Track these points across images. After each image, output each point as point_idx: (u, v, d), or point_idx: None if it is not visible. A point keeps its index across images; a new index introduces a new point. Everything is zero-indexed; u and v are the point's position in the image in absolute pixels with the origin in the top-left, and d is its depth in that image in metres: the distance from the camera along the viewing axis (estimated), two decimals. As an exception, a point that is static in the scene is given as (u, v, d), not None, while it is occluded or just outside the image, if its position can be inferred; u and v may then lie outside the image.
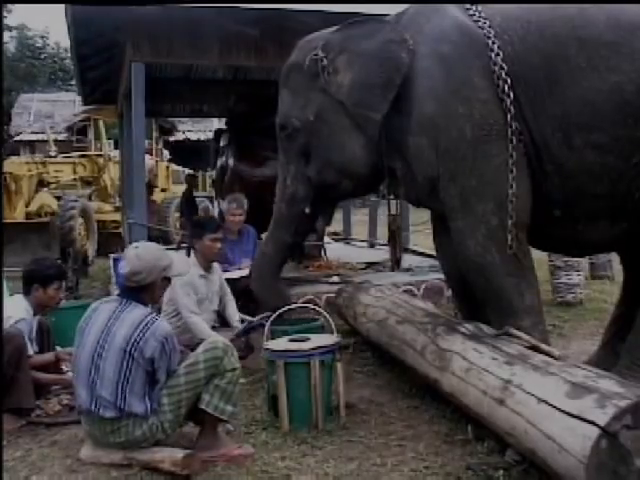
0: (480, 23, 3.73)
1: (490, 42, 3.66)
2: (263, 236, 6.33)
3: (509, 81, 3.61)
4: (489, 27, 3.70)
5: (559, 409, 2.62)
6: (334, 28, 4.24)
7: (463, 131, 3.68)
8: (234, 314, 4.98)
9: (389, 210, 4.53)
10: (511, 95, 3.60)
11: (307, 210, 4.42)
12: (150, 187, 11.45)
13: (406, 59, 3.83)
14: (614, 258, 7.26)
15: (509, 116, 3.61)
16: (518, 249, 3.71)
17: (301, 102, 4.23)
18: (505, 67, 3.62)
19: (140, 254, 3.33)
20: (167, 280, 3.47)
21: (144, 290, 3.34)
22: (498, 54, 3.63)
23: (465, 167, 3.72)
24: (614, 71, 3.54)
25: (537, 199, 3.75)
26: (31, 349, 3.91)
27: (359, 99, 3.97)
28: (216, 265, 5.09)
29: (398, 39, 3.89)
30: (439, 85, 3.76)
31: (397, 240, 4.68)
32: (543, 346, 3.35)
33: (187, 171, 17.67)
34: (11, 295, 4.61)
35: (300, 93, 4.25)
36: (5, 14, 29.60)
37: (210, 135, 12.23)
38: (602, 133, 3.58)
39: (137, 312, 3.25)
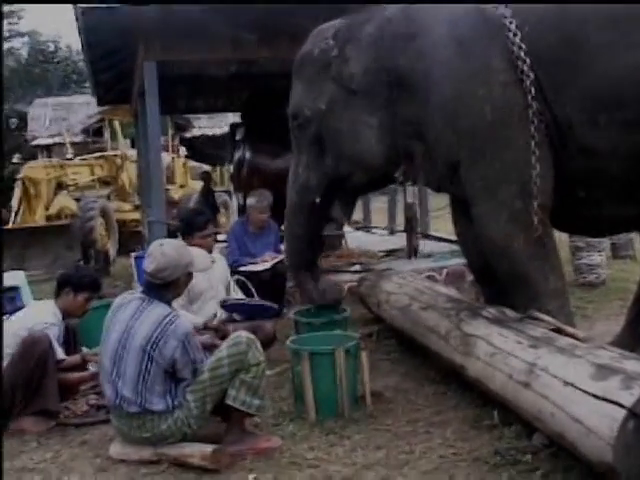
0: (495, 3, 3.67)
1: (507, 22, 3.58)
2: (282, 227, 6.34)
3: (528, 61, 3.53)
4: (505, 7, 3.64)
5: (585, 391, 2.60)
6: (346, 17, 4.22)
7: (483, 114, 3.63)
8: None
9: (405, 198, 4.50)
10: (531, 75, 3.53)
11: (317, 200, 4.39)
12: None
13: (414, 41, 3.82)
14: (636, 237, 7.20)
15: (530, 97, 3.54)
16: (542, 232, 3.67)
17: (313, 92, 4.22)
18: (524, 47, 3.53)
19: (165, 251, 3.35)
20: (190, 276, 3.50)
21: (168, 287, 3.37)
22: (516, 34, 3.55)
23: (487, 151, 3.67)
24: (638, 46, 3.46)
25: (560, 180, 3.69)
26: (62, 353, 3.95)
27: (371, 87, 3.95)
28: (217, 256, 5.01)
29: (407, 23, 3.87)
30: (457, 68, 3.71)
31: (414, 228, 4.66)
32: (567, 328, 3.34)
33: (204, 167, 17.73)
34: (35, 299, 4.65)
35: (312, 83, 4.24)
36: (16, 20, 29.80)
37: (226, 129, 12.23)
38: (627, 110, 3.49)
39: (158, 311, 3.27)
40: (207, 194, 12.29)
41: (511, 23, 3.58)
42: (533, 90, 3.54)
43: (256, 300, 4.86)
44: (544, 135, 3.61)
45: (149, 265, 3.33)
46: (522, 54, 3.54)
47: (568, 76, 3.56)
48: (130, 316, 3.29)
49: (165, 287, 3.36)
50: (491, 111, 3.62)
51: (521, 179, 3.62)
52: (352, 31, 4.07)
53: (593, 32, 3.52)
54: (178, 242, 3.62)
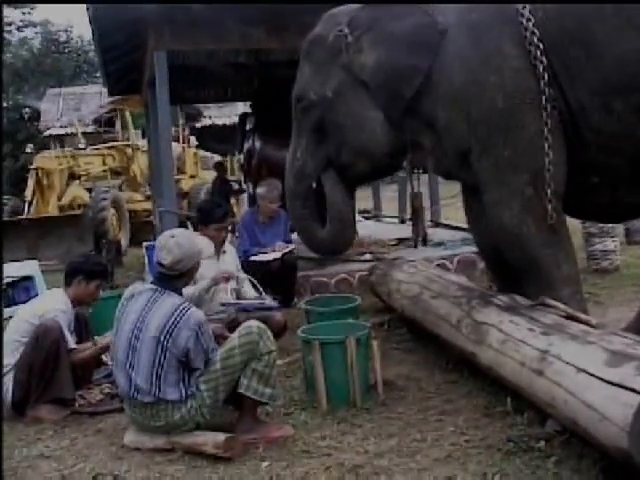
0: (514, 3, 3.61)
1: (520, 7, 3.54)
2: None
3: (542, 47, 3.50)
4: None
5: (599, 378, 2.59)
6: (360, 5, 4.13)
7: (495, 101, 3.60)
8: (248, 291, 4.81)
9: (412, 187, 4.45)
10: (544, 61, 3.50)
11: (313, 185, 4.35)
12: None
13: (435, 45, 3.74)
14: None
15: (542, 83, 3.51)
16: (554, 219, 3.66)
17: (321, 77, 4.16)
18: (537, 33, 3.50)
19: (180, 243, 3.36)
20: (198, 263, 3.52)
21: (182, 277, 3.40)
22: (529, 19, 3.51)
23: (498, 138, 3.64)
24: None
25: (573, 167, 3.66)
26: (73, 341, 3.98)
27: (383, 82, 3.89)
28: (228, 246, 4.99)
29: (428, 23, 3.78)
30: (468, 54, 3.67)
31: (420, 217, 4.60)
32: (580, 315, 3.32)
33: (215, 157, 17.71)
34: (49, 289, 4.68)
35: (320, 67, 4.17)
36: (29, 10, 29.84)
37: (236, 119, 12.23)
38: None
39: (170, 301, 3.28)
40: (221, 184, 12.10)
41: (524, 8, 3.54)
42: (546, 76, 3.51)
43: (254, 302, 4.64)
44: (557, 121, 3.58)
45: (165, 257, 3.33)
46: (535, 40, 3.50)
47: (582, 61, 3.51)
48: (142, 307, 3.30)
49: (179, 277, 3.39)
50: (503, 98, 3.58)
51: (533, 166, 3.60)
52: (370, 21, 3.97)
53: (609, 15, 3.47)
54: (188, 232, 3.63)
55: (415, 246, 4.89)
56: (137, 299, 3.36)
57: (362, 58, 3.97)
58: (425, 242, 7.42)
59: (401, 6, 3.95)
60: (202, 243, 3.67)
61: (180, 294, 3.39)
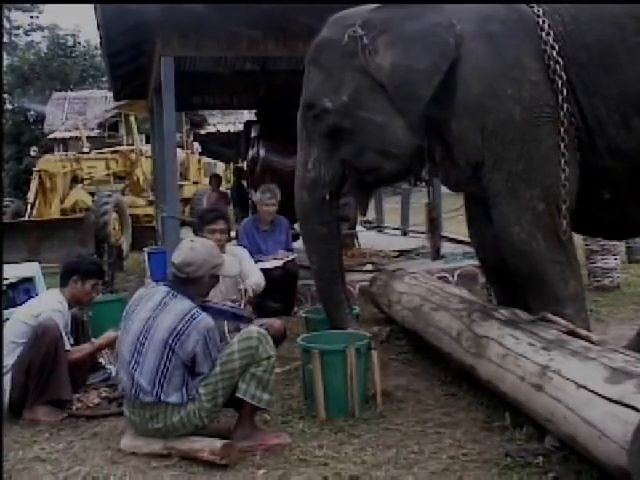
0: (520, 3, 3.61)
1: (540, 21, 3.54)
2: (295, 226, 6.33)
3: (561, 62, 3.49)
4: (539, 5, 3.59)
5: (599, 394, 2.58)
6: (372, 6, 4.01)
7: (512, 114, 3.57)
8: (252, 281, 4.68)
9: (429, 198, 4.40)
10: (563, 76, 3.49)
11: (327, 197, 4.19)
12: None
13: (453, 45, 3.65)
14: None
15: (561, 98, 3.50)
16: (564, 235, 3.65)
17: (334, 81, 3.98)
18: (556, 47, 3.50)
19: (195, 247, 3.42)
20: (216, 278, 3.53)
21: (192, 283, 3.40)
22: (549, 34, 3.51)
23: (513, 151, 3.61)
24: None
25: (585, 182, 3.65)
26: (68, 343, 3.97)
27: (400, 83, 3.77)
28: (234, 251, 4.93)
29: (445, 23, 3.69)
30: (486, 66, 3.63)
31: (438, 228, 4.53)
32: (581, 331, 3.31)
33: (217, 163, 17.75)
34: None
35: (333, 72, 4.00)
36: (37, 14, 30.02)
37: (240, 127, 12.24)
38: None
39: (182, 304, 3.30)
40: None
41: (544, 22, 3.54)
42: (565, 91, 3.50)
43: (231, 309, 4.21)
44: (573, 137, 3.57)
45: (176, 258, 3.39)
46: (554, 54, 3.50)
47: (601, 77, 3.52)
48: (153, 308, 3.32)
49: (189, 283, 3.39)
50: (520, 110, 3.56)
51: (546, 181, 3.59)
52: (384, 22, 3.85)
53: (630, 33, 3.47)
54: (210, 243, 3.63)
55: (434, 259, 4.82)
56: (149, 299, 3.38)
57: (378, 60, 3.83)
58: (439, 254, 7.33)
59: (417, 6, 3.85)
60: (226, 260, 3.63)
61: (192, 300, 3.38)
